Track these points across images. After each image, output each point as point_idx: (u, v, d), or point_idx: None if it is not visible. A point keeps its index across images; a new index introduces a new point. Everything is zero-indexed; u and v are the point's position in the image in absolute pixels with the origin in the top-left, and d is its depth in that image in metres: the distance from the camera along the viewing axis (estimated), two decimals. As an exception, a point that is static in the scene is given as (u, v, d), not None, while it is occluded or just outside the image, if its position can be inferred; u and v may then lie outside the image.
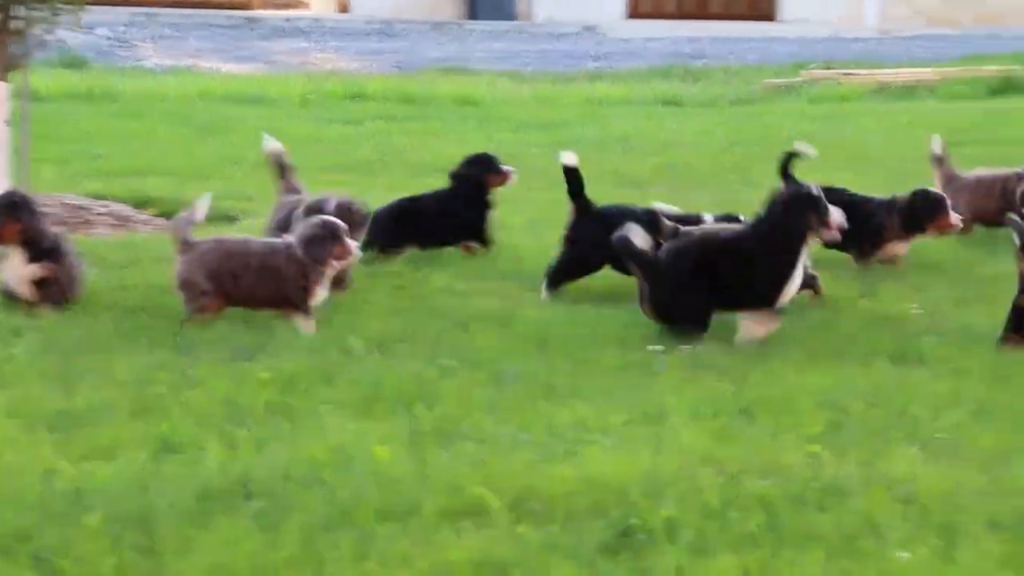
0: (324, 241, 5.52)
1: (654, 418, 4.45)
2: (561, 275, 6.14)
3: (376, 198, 6.93)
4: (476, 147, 9.95)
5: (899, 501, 3.72)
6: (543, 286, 6.11)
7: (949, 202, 6.63)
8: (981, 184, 7.47)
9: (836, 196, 6.47)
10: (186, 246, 5.56)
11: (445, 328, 5.51)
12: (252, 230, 7.22)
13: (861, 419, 4.42)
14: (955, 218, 6.59)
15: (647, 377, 4.92)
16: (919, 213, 6.62)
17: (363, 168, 9.40)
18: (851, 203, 6.37)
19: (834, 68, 17.38)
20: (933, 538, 3.50)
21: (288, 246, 5.57)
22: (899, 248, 6.69)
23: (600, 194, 8.04)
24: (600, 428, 4.35)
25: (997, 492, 3.79)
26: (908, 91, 15.39)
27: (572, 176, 6.22)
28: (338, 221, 5.61)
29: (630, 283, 6.17)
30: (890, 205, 6.67)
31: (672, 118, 12.75)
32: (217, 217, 7.68)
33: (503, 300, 5.97)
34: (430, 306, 5.83)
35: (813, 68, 17.38)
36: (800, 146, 6.85)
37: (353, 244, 5.59)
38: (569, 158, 6.21)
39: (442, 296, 5.99)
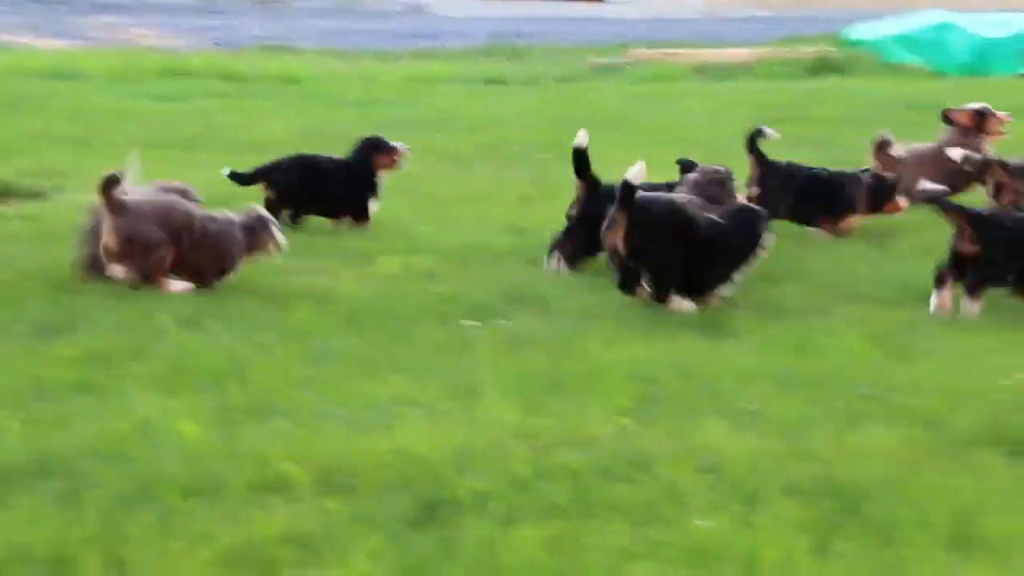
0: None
1: (468, 392, 4.46)
2: (580, 254, 6.18)
3: (193, 176, 6.83)
4: (295, 125, 9.91)
5: (703, 471, 3.79)
6: (547, 260, 6.16)
7: None
8: (925, 159, 7.67)
9: (801, 171, 7.04)
10: (120, 208, 5.55)
11: (262, 305, 5.46)
12: (61, 206, 7.10)
13: (670, 391, 4.48)
14: (903, 201, 6.98)
15: (463, 352, 4.94)
16: (881, 192, 7.01)
17: (181, 144, 9.26)
18: (819, 177, 6.99)
19: (657, 48, 17.57)
20: (734, 505, 3.56)
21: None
22: (855, 222, 7.03)
23: (420, 172, 8.08)
24: (414, 402, 4.35)
25: (796, 459, 3.88)
26: (728, 71, 15.62)
27: (580, 156, 6.20)
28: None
29: (451, 261, 6.19)
30: (858, 180, 7.06)
31: (495, 96, 12.79)
32: (25, 193, 7.54)
33: (322, 277, 5.94)
34: (248, 283, 5.77)
35: (637, 48, 17.55)
36: (766, 130, 7.29)
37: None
38: (580, 138, 6.20)
39: (261, 273, 5.92)
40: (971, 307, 5.45)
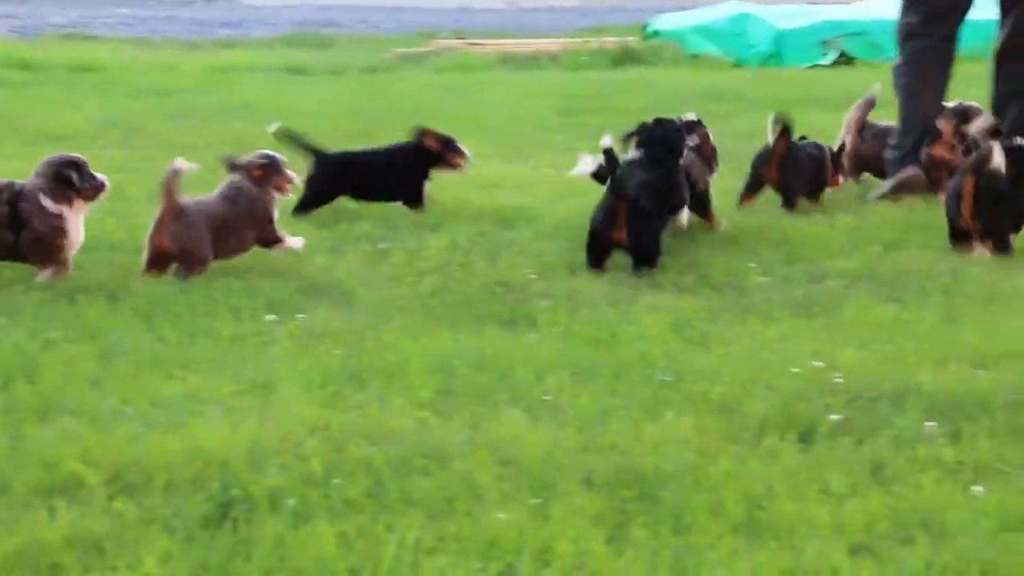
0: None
1: (263, 387, 4.40)
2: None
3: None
4: (95, 115, 9.66)
5: (500, 463, 3.78)
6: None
7: None
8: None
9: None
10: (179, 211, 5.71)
11: (50, 300, 5.32)
12: None
13: (469, 383, 4.46)
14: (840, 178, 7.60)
15: (260, 347, 4.87)
16: (834, 167, 7.57)
17: (-28, 136, 9.01)
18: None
19: (463, 38, 17.62)
20: (530, 498, 3.56)
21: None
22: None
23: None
24: (208, 399, 4.28)
25: (592, 450, 3.89)
26: (532, 61, 15.72)
27: (609, 157, 6.10)
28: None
29: (248, 253, 6.10)
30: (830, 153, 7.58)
31: (298, 86, 12.68)
32: None
33: (113, 271, 5.80)
34: (34, 278, 5.62)
35: (442, 38, 17.58)
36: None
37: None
38: (605, 141, 6.11)
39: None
40: None
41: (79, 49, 14.71)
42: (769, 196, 7.36)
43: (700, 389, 4.38)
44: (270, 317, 5.20)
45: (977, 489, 3.64)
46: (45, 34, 16.68)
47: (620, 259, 6.17)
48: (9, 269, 5.75)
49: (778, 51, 15.78)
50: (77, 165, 5.83)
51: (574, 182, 7.99)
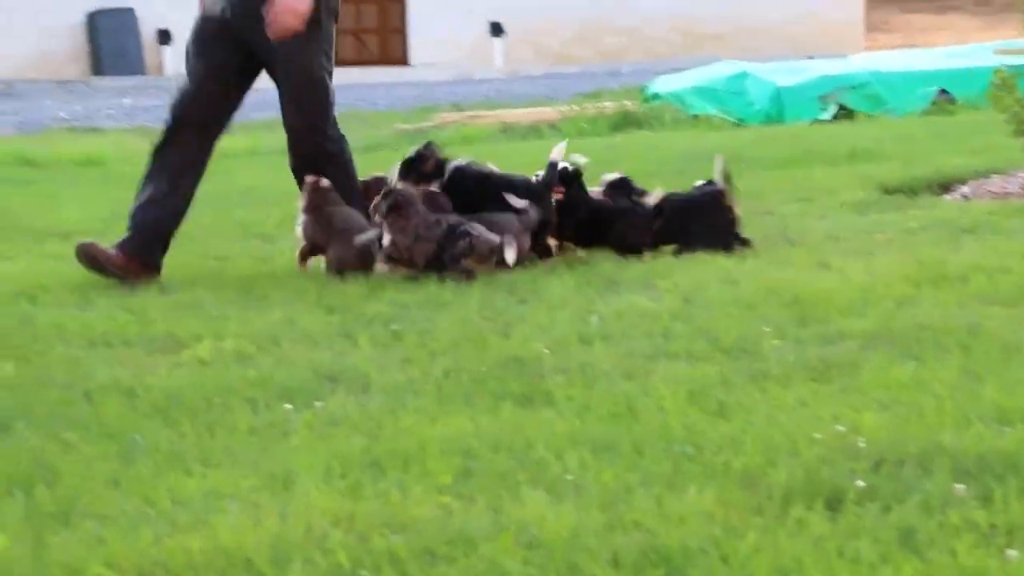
0: None
1: (283, 480, 4.38)
2: None
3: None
4: (98, 209, 9.67)
5: (525, 546, 3.76)
6: None
7: None
8: None
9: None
10: None
11: (69, 400, 5.32)
12: None
13: (489, 465, 4.44)
14: None
15: (278, 438, 4.85)
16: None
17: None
18: None
19: (463, 111, 17.71)
20: (558, 581, 3.54)
21: None
22: None
23: (222, 249, 7.98)
24: (229, 495, 4.26)
25: (617, 529, 3.87)
26: (533, 130, 15.79)
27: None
28: None
29: (261, 342, 6.10)
30: None
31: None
32: None
33: (129, 367, 5.80)
34: (50, 377, 5.62)
35: (443, 112, 17.67)
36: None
37: None
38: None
39: (64, 367, 5.78)
40: None
41: (83, 142, 14.80)
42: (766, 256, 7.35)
43: (721, 460, 4.36)
44: (287, 406, 5.19)
45: (1012, 553, 3.61)
46: (49, 129, 16.79)
47: (632, 328, 6.17)
48: (30, 370, 5.74)
49: (778, 108, 15.83)
50: None
51: (578, 253, 8.01)
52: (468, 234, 7.31)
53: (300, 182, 7.75)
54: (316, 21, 7.47)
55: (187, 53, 7.83)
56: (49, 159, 13.08)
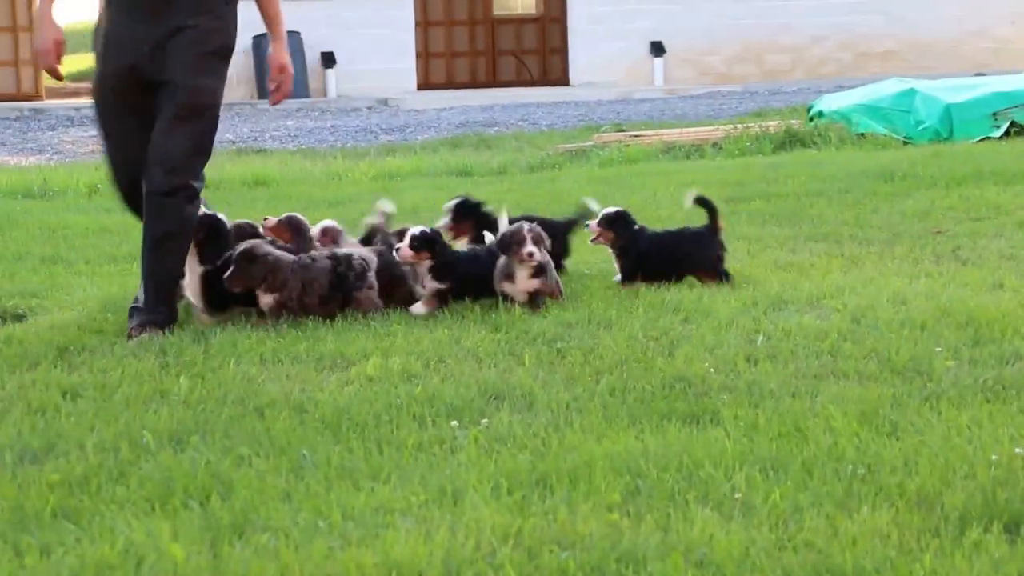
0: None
1: (453, 496, 4.41)
2: None
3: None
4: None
5: (695, 565, 3.74)
6: None
7: None
8: None
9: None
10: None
11: (240, 416, 5.41)
12: (40, 328, 7.05)
13: (657, 483, 4.43)
14: None
15: (446, 454, 4.89)
16: None
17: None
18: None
19: (624, 130, 17.68)
20: (729, 601, 3.52)
21: None
22: None
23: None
24: (399, 510, 4.30)
25: (788, 549, 3.83)
26: (695, 149, 15.70)
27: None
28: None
29: (428, 360, 6.15)
30: None
31: (463, 188, 12.81)
32: (2, 315, 7.51)
33: (299, 384, 5.89)
34: (224, 394, 5.72)
35: (604, 131, 17.67)
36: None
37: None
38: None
39: (236, 383, 5.88)
40: None
41: (249, 163, 15.08)
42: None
43: (895, 481, 4.30)
44: (453, 423, 5.22)
45: None
46: (217, 151, 17.14)
47: (800, 348, 6.11)
48: (205, 388, 5.85)
49: (948, 126, 15.55)
50: None
51: (743, 271, 7.96)
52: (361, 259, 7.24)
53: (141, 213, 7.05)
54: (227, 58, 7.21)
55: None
56: (221, 180, 13.34)
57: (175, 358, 6.35)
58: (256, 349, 6.47)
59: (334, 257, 7.25)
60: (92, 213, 11.08)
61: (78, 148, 17.67)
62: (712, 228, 7.80)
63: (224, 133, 19.54)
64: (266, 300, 7.09)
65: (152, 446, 5.00)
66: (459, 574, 3.74)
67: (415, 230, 7.27)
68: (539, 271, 7.25)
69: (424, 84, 28.66)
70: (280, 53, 7.37)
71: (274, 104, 7.44)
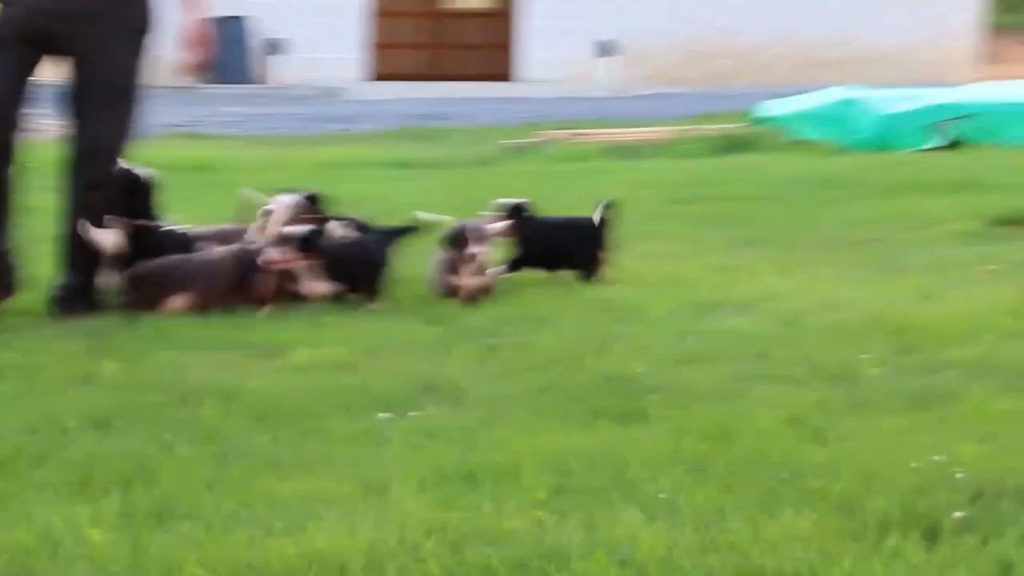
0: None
1: (379, 488, 4.39)
2: None
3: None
4: (205, 213, 9.79)
5: (618, 564, 3.74)
6: None
7: None
8: None
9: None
10: None
11: (166, 402, 5.37)
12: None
13: (583, 481, 4.44)
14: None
15: (375, 446, 4.87)
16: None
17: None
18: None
19: (568, 128, 17.69)
20: (650, 601, 3.52)
21: None
22: None
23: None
24: (324, 500, 4.28)
25: (711, 550, 3.84)
26: (637, 150, 15.73)
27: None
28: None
29: (361, 351, 6.14)
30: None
31: (405, 179, 12.80)
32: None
33: (229, 371, 5.86)
34: (151, 379, 5.68)
35: (547, 129, 17.67)
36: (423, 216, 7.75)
37: None
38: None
39: (164, 369, 5.85)
40: None
41: (190, 148, 14.98)
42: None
43: (818, 485, 4.32)
44: (382, 415, 5.21)
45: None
46: (159, 134, 16.99)
47: (730, 351, 6.14)
48: (131, 373, 5.81)
49: (885, 136, 15.66)
50: None
51: (679, 272, 7.98)
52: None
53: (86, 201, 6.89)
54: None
55: None
56: (158, 164, 13.19)
57: (103, 341, 6.30)
58: (185, 335, 6.43)
59: None
60: (28, 192, 10.97)
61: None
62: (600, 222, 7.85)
63: (165, 117, 19.39)
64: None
65: (74, 430, 4.95)
66: (382, 567, 3.72)
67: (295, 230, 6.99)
68: (480, 269, 7.26)
69: (371, 75, 28.57)
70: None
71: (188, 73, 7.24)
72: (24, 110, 6.91)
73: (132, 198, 7.08)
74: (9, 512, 4.14)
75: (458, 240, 7.24)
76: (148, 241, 7.08)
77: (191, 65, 7.18)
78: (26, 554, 3.79)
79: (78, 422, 5.02)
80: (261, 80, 26.90)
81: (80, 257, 6.93)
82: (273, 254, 6.92)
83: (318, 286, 7.04)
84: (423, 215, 7.78)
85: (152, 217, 7.17)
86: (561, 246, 7.83)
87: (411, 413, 5.22)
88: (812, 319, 6.74)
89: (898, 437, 4.83)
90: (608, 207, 7.92)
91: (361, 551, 3.82)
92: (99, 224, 6.88)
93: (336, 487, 4.40)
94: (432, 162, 14.58)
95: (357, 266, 7.18)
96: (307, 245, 6.99)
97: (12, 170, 6.95)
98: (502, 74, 29.27)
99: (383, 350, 6.20)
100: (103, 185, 6.90)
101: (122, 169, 6.99)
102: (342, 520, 4.08)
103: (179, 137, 16.70)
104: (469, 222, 7.38)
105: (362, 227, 7.64)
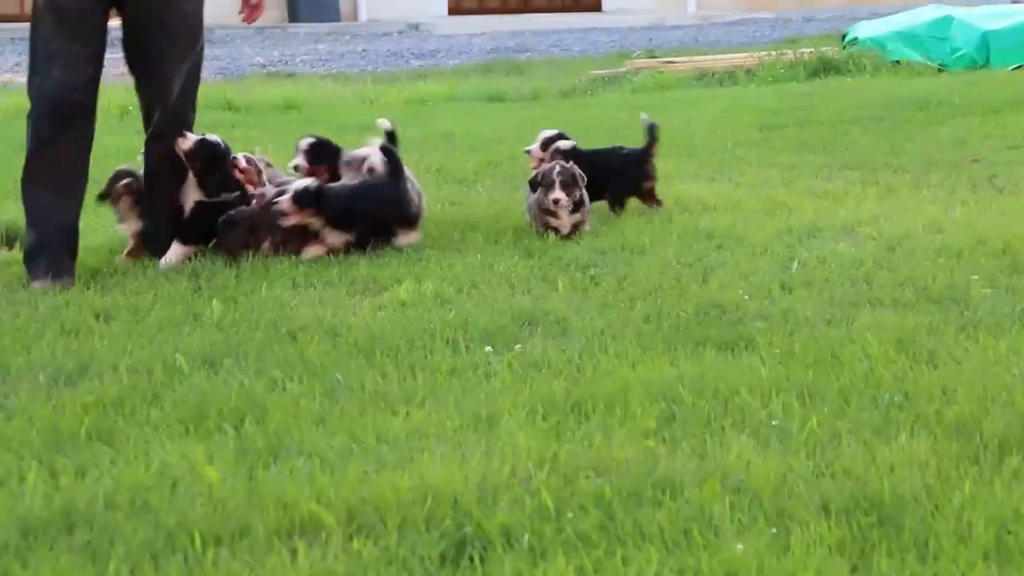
0: None
1: (487, 421, 4.39)
2: None
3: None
4: (290, 151, 9.83)
5: (732, 491, 3.72)
6: None
7: None
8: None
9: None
10: None
11: (272, 340, 5.39)
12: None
13: (692, 410, 4.41)
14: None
15: (480, 379, 4.87)
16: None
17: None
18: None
19: (656, 57, 17.54)
20: (767, 527, 3.50)
21: None
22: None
23: (428, 191, 8.03)
24: (433, 435, 4.29)
25: (825, 476, 3.81)
26: (728, 76, 15.58)
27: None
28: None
29: (461, 285, 6.14)
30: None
31: (495, 113, 12.75)
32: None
33: (332, 308, 5.87)
34: (256, 318, 5.71)
35: (636, 57, 17.52)
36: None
37: None
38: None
39: (268, 307, 5.87)
40: None
41: (279, 87, 15.02)
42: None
43: (933, 409, 4.27)
44: (487, 349, 5.20)
45: None
46: (248, 74, 17.07)
47: (835, 275, 6.07)
48: (237, 312, 5.84)
49: (984, 53, 15.37)
50: None
51: (777, 198, 7.90)
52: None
53: (163, 157, 6.95)
54: None
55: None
56: (251, 103, 13.30)
57: (207, 282, 6.35)
58: (288, 274, 6.46)
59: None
60: (123, 134, 11.05)
61: (109, 69, 17.63)
62: (646, 153, 7.81)
63: (254, 56, 19.47)
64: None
65: (185, 369, 4.99)
66: (495, 498, 3.72)
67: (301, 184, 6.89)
68: (577, 207, 7.22)
69: (455, 9, 28.47)
70: None
71: (249, 23, 7.27)
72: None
73: (211, 167, 6.99)
74: (127, 450, 4.19)
75: (547, 182, 7.18)
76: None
77: (249, 14, 7.12)
78: (146, 491, 3.83)
79: (188, 361, 5.06)
80: (349, 17, 26.89)
81: (159, 202, 6.98)
82: (286, 206, 6.83)
83: (333, 237, 6.94)
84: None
85: (229, 183, 7.05)
86: (602, 176, 7.73)
87: (516, 346, 5.21)
88: (915, 242, 6.65)
89: (1013, 358, 4.75)
90: (653, 131, 7.83)
91: (473, 484, 3.82)
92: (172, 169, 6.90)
93: (445, 421, 4.40)
94: (521, 95, 14.52)
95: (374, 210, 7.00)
96: (317, 199, 6.88)
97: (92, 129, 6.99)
98: (590, 4, 29.06)
99: (484, 284, 6.19)
100: (174, 131, 6.88)
101: (200, 140, 6.95)
102: (453, 453, 4.08)
103: (269, 76, 16.74)
104: (557, 163, 7.31)
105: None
